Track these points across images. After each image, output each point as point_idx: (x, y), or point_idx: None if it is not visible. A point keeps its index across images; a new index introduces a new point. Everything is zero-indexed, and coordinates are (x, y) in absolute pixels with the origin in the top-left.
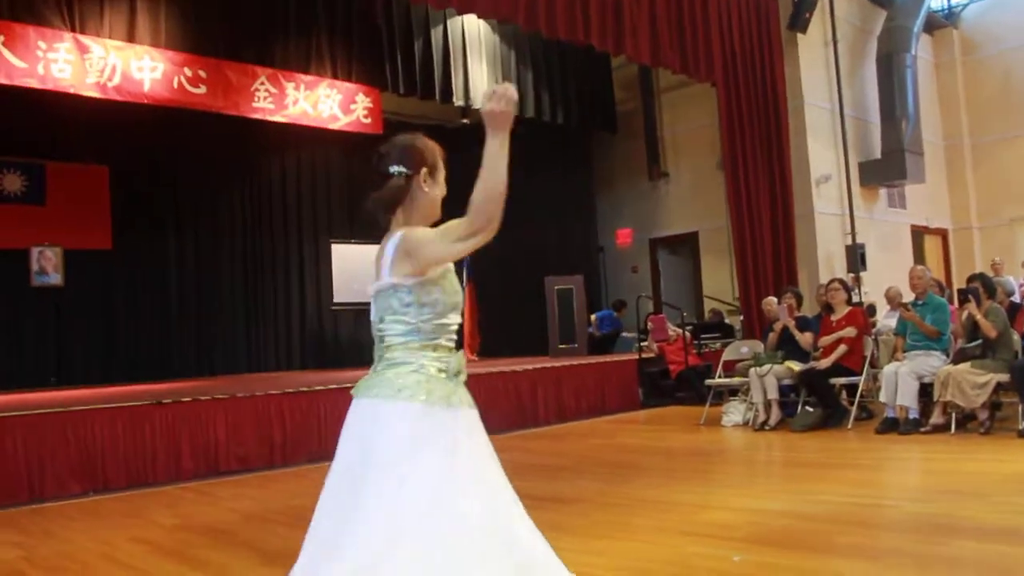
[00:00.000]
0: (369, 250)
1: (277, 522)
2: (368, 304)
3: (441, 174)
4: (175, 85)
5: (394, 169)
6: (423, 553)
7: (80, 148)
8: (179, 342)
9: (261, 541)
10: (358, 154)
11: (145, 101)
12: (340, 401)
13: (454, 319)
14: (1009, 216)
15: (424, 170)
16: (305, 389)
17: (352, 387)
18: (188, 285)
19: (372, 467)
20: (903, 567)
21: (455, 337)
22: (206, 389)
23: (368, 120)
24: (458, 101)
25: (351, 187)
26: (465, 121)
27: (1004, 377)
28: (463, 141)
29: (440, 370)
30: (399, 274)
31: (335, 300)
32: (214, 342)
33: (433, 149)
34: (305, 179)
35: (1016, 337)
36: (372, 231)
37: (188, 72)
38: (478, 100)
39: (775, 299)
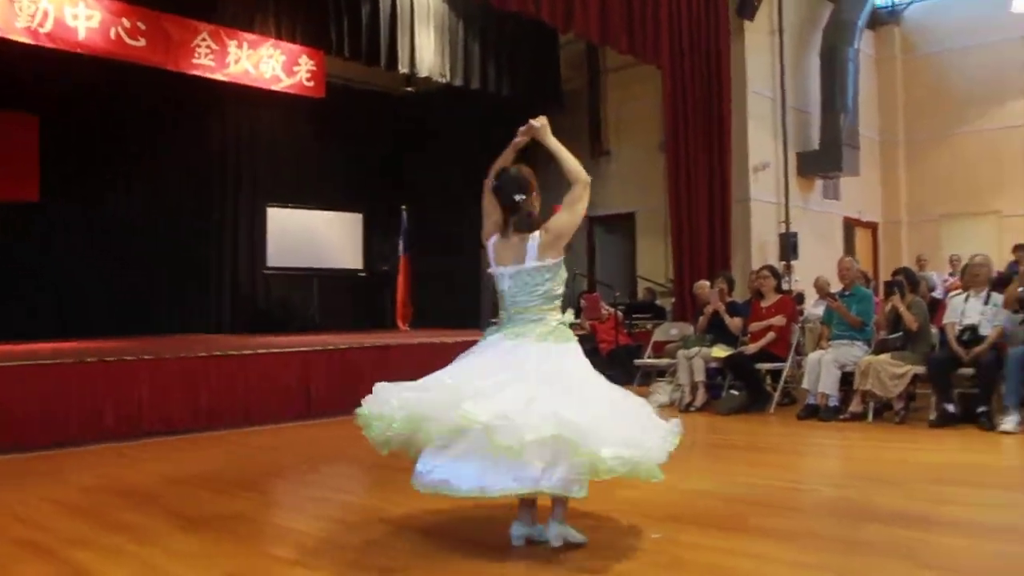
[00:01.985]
0: (308, 215)
1: (199, 486)
2: (305, 270)
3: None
4: (112, 36)
5: (517, 197)
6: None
7: (7, 95)
8: (107, 300)
9: (181, 506)
10: (300, 118)
11: (79, 51)
12: (270, 365)
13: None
14: (938, 212)
15: (533, 193)
16: (234, 353)
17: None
18: (118, 242)
19: None
20: (819, 549)
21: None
22: (132, 349)
23: (311, 83)
24: (403, 68)
25: (291, 151)
26: (410, 89)
27: (921, 369)
28: (407, 109)
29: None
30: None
31: (268, 264)
32: (143, 301)
33: (531, 174)
34: (244, 140)
35: (934, 331)
36: (313, 197)
37: (126, 23)
38: (424, 68)
39: (707, 283)
